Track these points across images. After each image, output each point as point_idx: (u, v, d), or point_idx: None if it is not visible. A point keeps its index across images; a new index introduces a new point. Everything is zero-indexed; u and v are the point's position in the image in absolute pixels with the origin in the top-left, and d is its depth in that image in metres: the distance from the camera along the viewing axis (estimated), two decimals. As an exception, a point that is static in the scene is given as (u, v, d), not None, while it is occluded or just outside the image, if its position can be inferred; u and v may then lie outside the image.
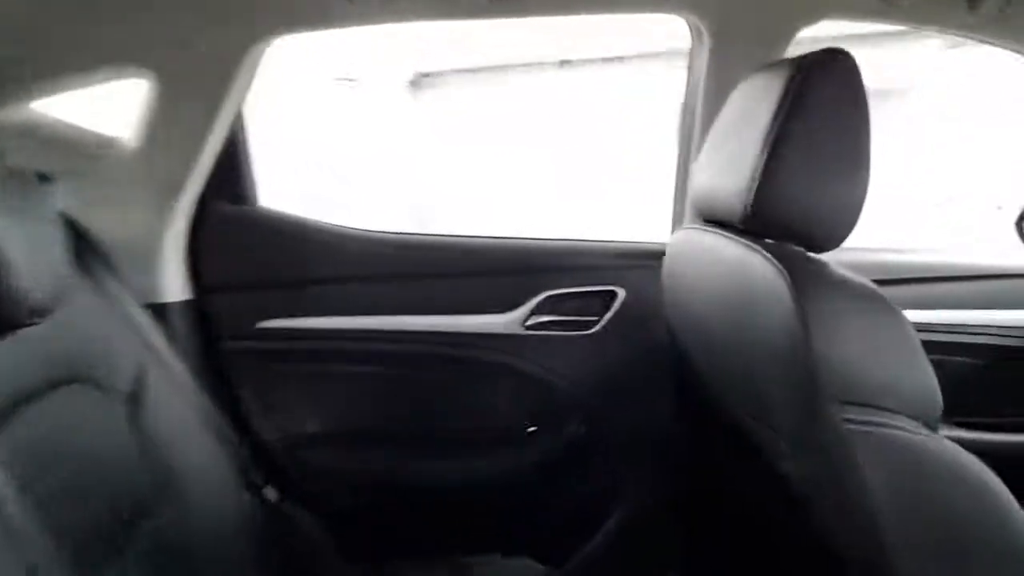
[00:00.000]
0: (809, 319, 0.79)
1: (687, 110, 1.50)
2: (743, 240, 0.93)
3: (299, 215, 1.46)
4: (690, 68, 1.48)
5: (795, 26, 1.34)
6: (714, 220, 1.06)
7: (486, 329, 1.47)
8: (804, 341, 0.79)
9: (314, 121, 6.11)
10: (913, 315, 1.30)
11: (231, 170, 1.41)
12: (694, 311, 1.11)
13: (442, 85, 6.20)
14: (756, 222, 0.90)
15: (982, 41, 1.38)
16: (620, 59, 5.51)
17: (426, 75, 6.17)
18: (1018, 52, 1.38)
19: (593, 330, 1.49)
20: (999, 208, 4.56)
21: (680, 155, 1.52)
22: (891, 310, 0.83)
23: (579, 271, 1.50)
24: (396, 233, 1.50)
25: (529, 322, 1.48)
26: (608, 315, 1.49)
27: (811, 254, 0.90)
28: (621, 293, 1.49)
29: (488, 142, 5.94)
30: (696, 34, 1.43)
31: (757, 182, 0.87)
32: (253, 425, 1.46)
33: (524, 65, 5.78)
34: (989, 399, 1.47)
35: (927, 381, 0.84)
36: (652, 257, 1.34)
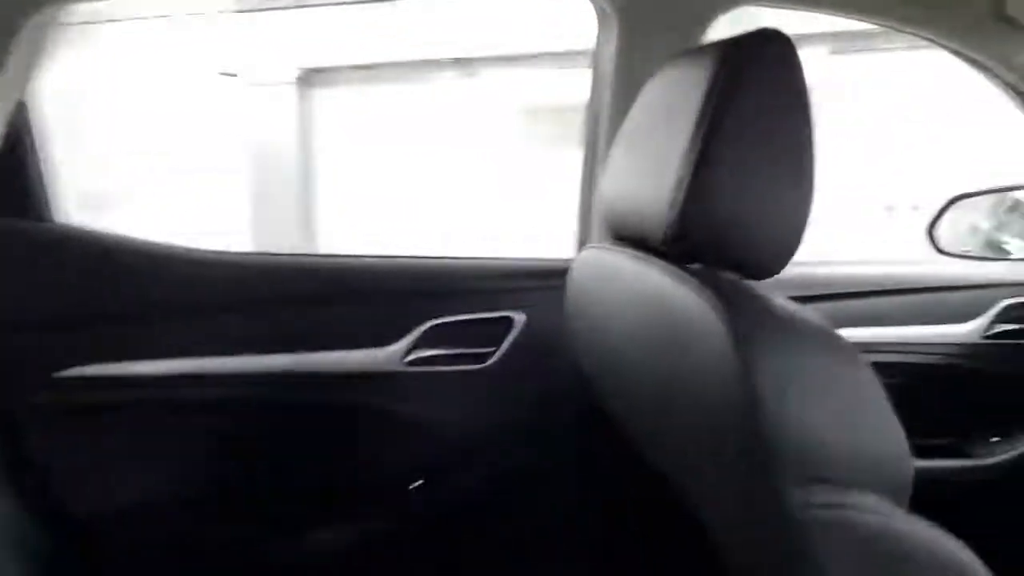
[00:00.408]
0: (755, 369, 0.63)
1: (593, 107, 1.33)
2: (664, 264, 0.79)
3: (114, 231, 1.15)
4: (596, 58, 1.31)
5: (714, 10, 1.18)
6: (627, 238, 0.90)
7: (358, 367, 1.24)
8: (750, 398, 0.63)
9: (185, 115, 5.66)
10: None
11: (16, 177, 1.09)
12: (605, 346, 0.95)
13: (335, 83, 5.87)
14: (681, 242, 0.74)
15: (907, 32, 1.25)
16: (522, 58, 5.35)
17: (316, 71, 5.81)
18: (947, 48, 1.27)
19: (488, 363, 1.28)
20: (889, 209, 4.69)
21: (586, 159, 1.34)
22: (853, 356, 0.69)
23: (470, 295, 1.29)
24: (241, 253, 1.24)
25: (411, 357, 1.25)
26: (505, 345, 1.28)
27: (747, 282, 0.76)
28: (520, 319, 1.28)
29: (384, 143, 5.65)
30: (602, 17, 1.26)
31: (684, 194, 0.72)
32: (56, 499, 1.15)
33: (419, 62, 5.53)
34: (907, 423, 1.36)
35: (897, 445, 0.70)
36: (555, 276, 1.15)
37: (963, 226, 1.70)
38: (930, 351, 1.39)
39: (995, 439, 1.43)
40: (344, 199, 5.79)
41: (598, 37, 1.29)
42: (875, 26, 1.26)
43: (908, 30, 1.23)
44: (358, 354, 1.23)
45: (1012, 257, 1.70)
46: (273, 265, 1.26)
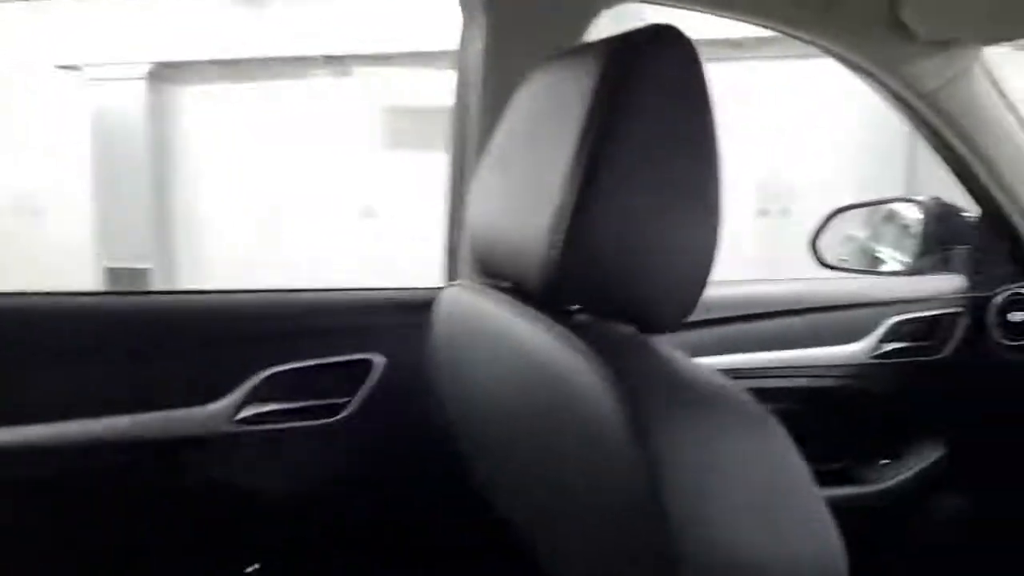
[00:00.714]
0: (657, 457, 0.51)
1: (458, 117, 1.16)
2: (541, 315, 0.65)
3: None
4: (461, 59, 1.15)
5: (595, 6, 1.05)
6: (499, 275, 0.76)
7: (175, 432, 1.01)
8: (650, 494, 0.50)
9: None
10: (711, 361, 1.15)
11: None
12: (473, 406, 0.81)
13: (193, 79, 5.42)
14: (564, 288, 0.61)
15: (794, 35, 1.17)
16: (399, 57, 5.12)
17: (171, 65, 5.34)
18: (834, 53, 1.19)
19: (341, 416, 1.08)
20: (762, 213, 4.84)
21: (452, 177, 1.17)
22: (778, 434, 0.56)
23: (317, 335, 1.09)
24: (27, 294, 0.98)
25: (244, 414, 1.03)
26: (362, 393, 1.09)
27: (644, 337, 0.64)
28: (379, 362, 1.09)
29: (246, 141, 5.27)
30: (466, 11, 1.10)
31: (565, 227, 0.58)
32: None
33: (289, 59, 5.19)
34: (805, 449, 1.29)
35: (828, 542, 0.57)
36: (420, 310, 0.96)
37: (841, 238, 1.68)
38: (818, 374, 1.32)
39: (885, 462, 1.38)
40: (201, 202, 5.36)
41: (463, 34, 1.12)
42: (760, 28, 1.17)
43: (796, 33, 1.15)
44: (178, 414, 1.01)
45: (884, 270, 1.69)
46: (71, 308, 1.01)
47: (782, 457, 0.56)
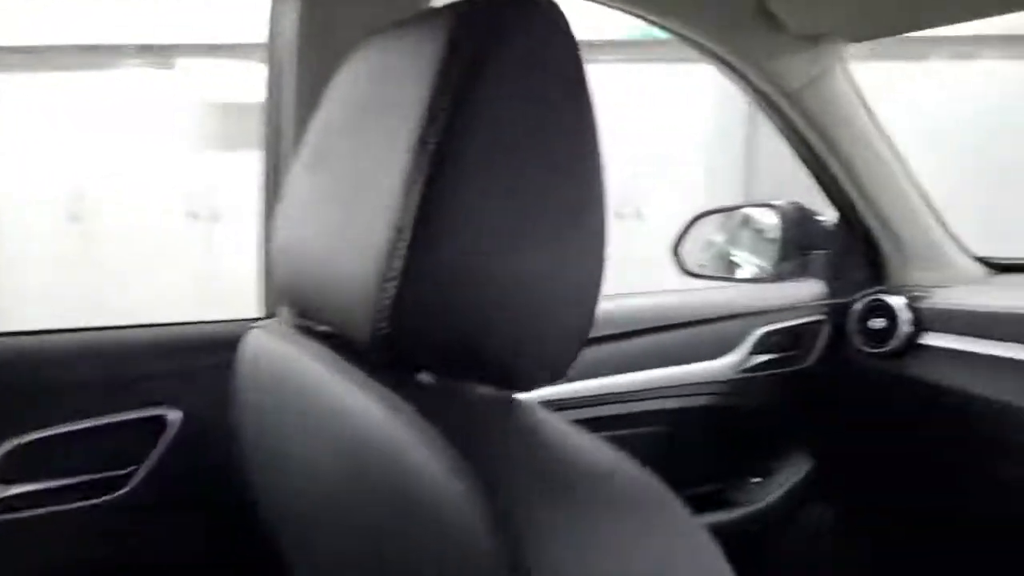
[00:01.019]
0: (523, 544, 0.37)
1: (271, 110, 0.96)
2: (373, 375, 0.49)
3: None
4: (272, 40, 0.95)
5: None
6: (316, 315, 0.58)
7: None
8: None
9: None
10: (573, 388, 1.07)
11: None
12: (286, 477, 0.62)
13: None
14: (400, 338, 0.45)
15: (658, 24, 1.08)
16: (224, 47, 4.71)
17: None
18: (702, 47, 1.12)
19: (124, 491, 0.85)
20: (638, 216, 4.87)
21: (265, 186, 0.97)
22: (679, 516, 0.43)
23: (89, 389, 0.85)
24: None
25: None
26: (151, 460, 0.86)
27: (508, 395, 0.49)
28: (175, 418, 0.87)
29: (45, 139, 4.66)
30: None
31: (403, 252, 0.43)
32: None
33: (96, 47, 4.64)
34: (669, 475, 1.21)
35: None
36: (227, 349, 0.75)
37: (702, 243, 1.64)
38: (688, 392, 1.22)
39: (756, 480, 1.33)
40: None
41: (272, 10, 0.93)
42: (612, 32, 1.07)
43: (662, 22, 1.06)
44: None
45: (741, 275, 1.65)
46: None
47: (697, 545, 0.43)
